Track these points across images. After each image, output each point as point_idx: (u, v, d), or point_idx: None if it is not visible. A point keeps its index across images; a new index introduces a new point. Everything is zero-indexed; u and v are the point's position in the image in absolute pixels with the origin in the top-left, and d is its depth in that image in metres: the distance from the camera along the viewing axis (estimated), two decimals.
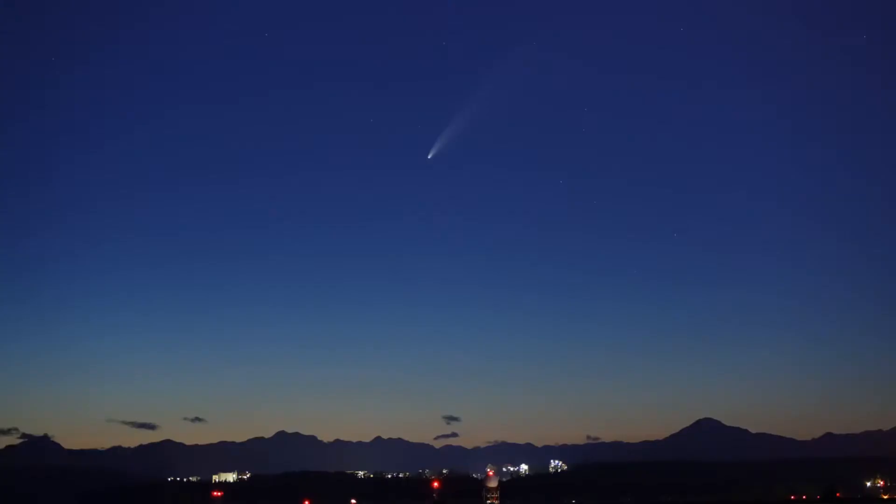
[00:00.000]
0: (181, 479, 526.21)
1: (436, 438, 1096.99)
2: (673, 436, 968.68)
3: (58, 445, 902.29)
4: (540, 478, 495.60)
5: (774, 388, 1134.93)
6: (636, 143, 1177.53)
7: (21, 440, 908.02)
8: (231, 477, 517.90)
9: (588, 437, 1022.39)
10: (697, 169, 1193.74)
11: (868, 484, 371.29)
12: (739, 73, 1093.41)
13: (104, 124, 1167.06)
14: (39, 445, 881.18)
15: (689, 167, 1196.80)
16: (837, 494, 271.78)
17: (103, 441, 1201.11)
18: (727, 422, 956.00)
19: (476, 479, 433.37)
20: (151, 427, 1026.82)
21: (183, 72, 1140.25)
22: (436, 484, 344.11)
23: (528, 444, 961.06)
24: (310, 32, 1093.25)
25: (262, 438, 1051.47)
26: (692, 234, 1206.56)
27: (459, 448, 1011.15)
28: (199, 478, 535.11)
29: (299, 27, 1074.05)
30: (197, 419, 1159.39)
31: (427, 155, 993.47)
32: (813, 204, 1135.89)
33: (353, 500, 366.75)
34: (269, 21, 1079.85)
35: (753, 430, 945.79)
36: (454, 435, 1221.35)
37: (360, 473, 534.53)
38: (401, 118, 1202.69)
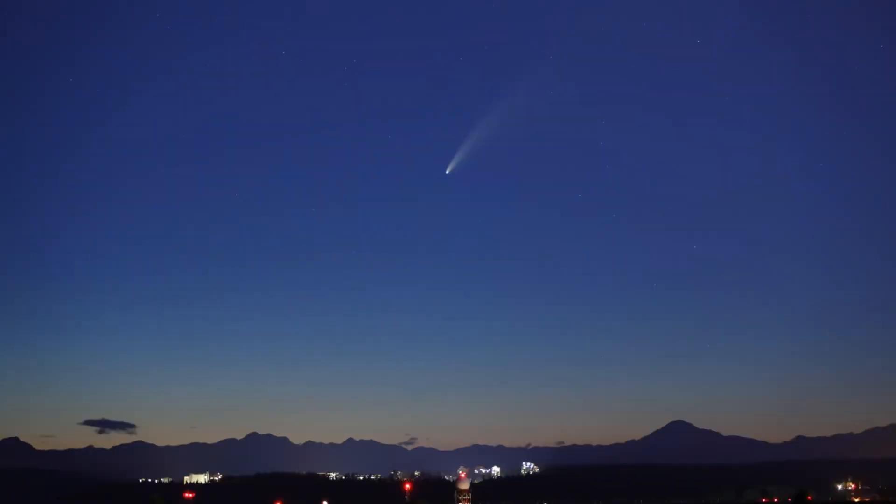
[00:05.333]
0: (153, 480, 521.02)
1: (407, 440, 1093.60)
2: (645, 438, 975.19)
3: (28, 446, 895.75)
4: (512, 480, 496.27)
5: (746, 392, 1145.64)
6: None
7: None
8: (203, 478, 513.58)
9: (559, 440, 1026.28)
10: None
11: (839, 487, 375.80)
12: (751, 80, 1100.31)
13: (109, 127, 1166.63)
14: (9, 447, 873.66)
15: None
16: (809, 497, 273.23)
17: (76, 442, 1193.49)
18: (699, 424, 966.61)
19: (448, 480, 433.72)
20: (124, 428, 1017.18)
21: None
22: (408, 486, 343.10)
23: (500, 447, 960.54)
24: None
25: (234, 440, 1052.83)
26: (672, 242, 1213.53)
27: (431, 450, 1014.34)
28: (171, 479, 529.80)
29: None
30: (169, 420, 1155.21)
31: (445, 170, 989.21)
32: (781, 211, 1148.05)
33: (325, 502, 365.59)
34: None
35: (725, 433, 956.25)
36: (426, 437, 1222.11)
37: (332, 475, 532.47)
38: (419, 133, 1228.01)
